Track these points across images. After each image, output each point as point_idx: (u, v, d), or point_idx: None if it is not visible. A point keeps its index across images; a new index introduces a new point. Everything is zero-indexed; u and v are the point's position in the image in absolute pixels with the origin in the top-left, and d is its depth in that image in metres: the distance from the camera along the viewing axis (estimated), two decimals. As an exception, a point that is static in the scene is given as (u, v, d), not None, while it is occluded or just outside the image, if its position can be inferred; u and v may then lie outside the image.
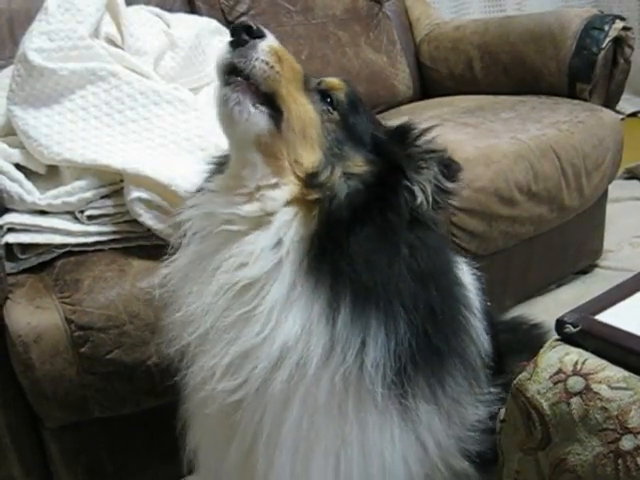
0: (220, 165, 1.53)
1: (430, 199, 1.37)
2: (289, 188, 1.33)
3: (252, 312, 1.28)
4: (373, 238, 1.29)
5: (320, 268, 1.27)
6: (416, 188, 1.36)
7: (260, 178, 1.34)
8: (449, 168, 1.41)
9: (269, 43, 1.33)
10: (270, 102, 1.32)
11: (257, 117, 1.30)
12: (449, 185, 1.40)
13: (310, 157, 1.34)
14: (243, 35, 1.31)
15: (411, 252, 1.33)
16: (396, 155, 1.40)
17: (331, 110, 1.40)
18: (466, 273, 1.66)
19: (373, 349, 1.27)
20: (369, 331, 1.27)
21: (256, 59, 1.30)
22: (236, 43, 1.31)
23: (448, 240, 1.55)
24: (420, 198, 1.36)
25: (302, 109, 1.35)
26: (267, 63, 1.30)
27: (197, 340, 1.36)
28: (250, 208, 1.33)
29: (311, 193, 1.32)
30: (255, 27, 1.32)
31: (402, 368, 1.30)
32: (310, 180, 1.33)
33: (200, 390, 1.37)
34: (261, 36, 1.33)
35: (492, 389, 1.63)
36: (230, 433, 1.37)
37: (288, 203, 1.32)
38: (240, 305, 1.30)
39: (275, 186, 1.33)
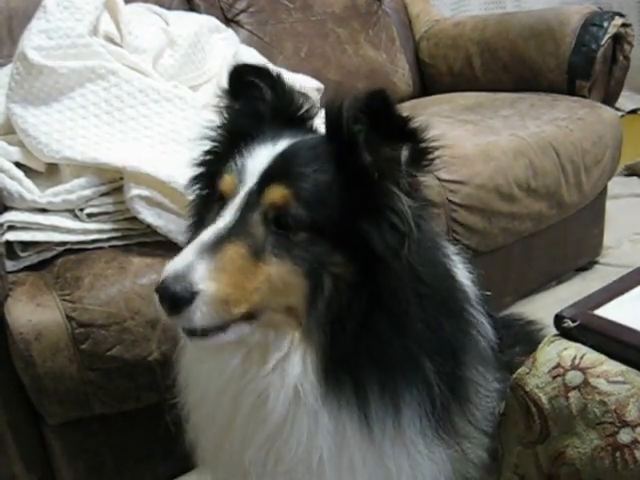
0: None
1: (409, 204, 1.22)
2: (290, 336, 1.26)
3: (285, 441, 1.27)
4: (381, 322, 1.23)
5: (338, 383, 1.24)
6: (396, 220, 1.21)
7: (259, 349, 1.28)
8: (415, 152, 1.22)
9: (204, 296, 1.15)
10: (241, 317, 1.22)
11: (238, 333, 1.23)
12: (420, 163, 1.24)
13: (299, 297, 1.23)
14: (174, 307, 1.15)
15: (420, 298, 1.26)
16: (363, 229, 1.23)
17: (291, 236, 1.22)
18: (459, 266, 1.56)
19: (408, 410, 1.27)
20: (402, 398, 1.26)
21: (203, 322, 1.16)
22: (173, 313, 1.16)
23: (441, 234, 1.49)
24: (403, 221, 1.22)
25: (272, 281, 1.21)
26: (217, 311, 1.16)
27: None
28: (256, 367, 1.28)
29: (310, 325, 1.24)
30: (179, 294, 1.14)
31: (438, 409, 1.29)
32: (307, 312, 1.24)
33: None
34: (192, 297, 1.14)
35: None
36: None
37: (290, 346, 1.26)
38: (271, 434, 1.28)
39: (275, 343, 1.27)
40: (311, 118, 1.44)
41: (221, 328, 1.20)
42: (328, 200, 1.23)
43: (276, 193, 1.21)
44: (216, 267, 1.16)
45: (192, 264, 1.15)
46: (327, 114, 1.28)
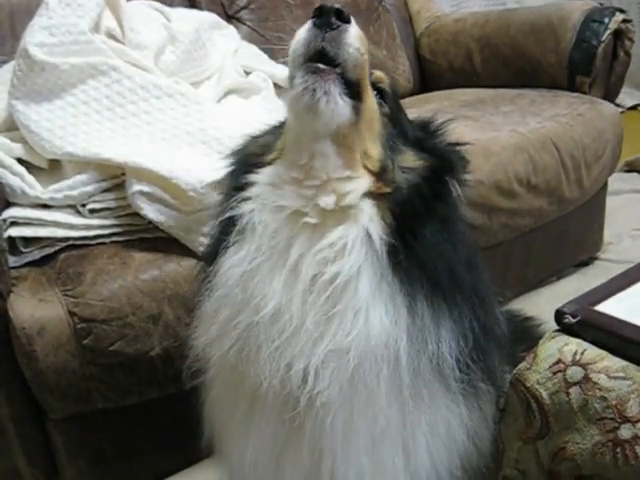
0: (248, 157, 1.48)
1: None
2: (363, 181, 1.30)
3: (344, 309, 1.25)
4: (439, 229, 1.30)
5: (400, 260, 1.26)
6: (454, 181, 1.40)
7: (332, 170, 1.29)
8: (464, 161, 1.47)
9: (357, 28, 1.24)
10: (352, 92, 1.26)
11: (344, 109, 1.24)
12: (464, 177, 1.45)
13: (375, 150, 1.32)
14: (333, 18, 1.21)
15: (461, 241, 1.35)
16: (441, 151, 1.43)
17: (383, 103, 1.37)
18: None
19: (447, 335, 1.28)
20: (442, 319, 1.28)
21: (349, 46, 1.22)
22: (325, 26, 1.21)
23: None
24: (457, 190, 1.40)
25: (371, 100, 1.32)
26: (359, 50, 1.23)
27: (268, 339, 1.29)
28: (328, 200, 1.28)
29: (382, 187, 1.30)
30: (345, 11, 1.22)
31: (470, 351, 1.32)
32: (380, 173, 1.31)
33: (253, 388, 1.33)
34: (349, 21, 1.23)
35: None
36: (287, 431, 1.33)
37: (364, 196, 1.29)
38: (330, 301, 1.26)
39: (348, 179, 1.30)
40: None
41: (343, 81, 1.24)
42: (401, 108, 1.47)
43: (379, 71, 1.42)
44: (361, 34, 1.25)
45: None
46: None
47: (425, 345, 1.26)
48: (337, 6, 1.21)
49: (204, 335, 1.41)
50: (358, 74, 1.25)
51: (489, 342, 1.39)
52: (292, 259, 1.28)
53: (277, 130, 1.48)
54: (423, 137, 1.46)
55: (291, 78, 1.26)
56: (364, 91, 1.28)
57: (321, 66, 1.22)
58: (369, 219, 1.28)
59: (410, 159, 1.36)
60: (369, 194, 1.30)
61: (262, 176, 1.38)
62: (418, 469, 1.34)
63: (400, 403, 1.29)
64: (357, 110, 1.27)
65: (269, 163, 1.39)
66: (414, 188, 1.32)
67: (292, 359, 1.26)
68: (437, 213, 1.32)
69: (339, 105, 1.23)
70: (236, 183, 1.43)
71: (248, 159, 1.47)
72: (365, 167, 1.31)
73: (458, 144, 1.49)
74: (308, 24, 1.23)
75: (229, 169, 1.50)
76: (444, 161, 1.40)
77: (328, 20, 1.20)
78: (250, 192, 1.37)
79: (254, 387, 1.32)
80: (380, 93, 1.37)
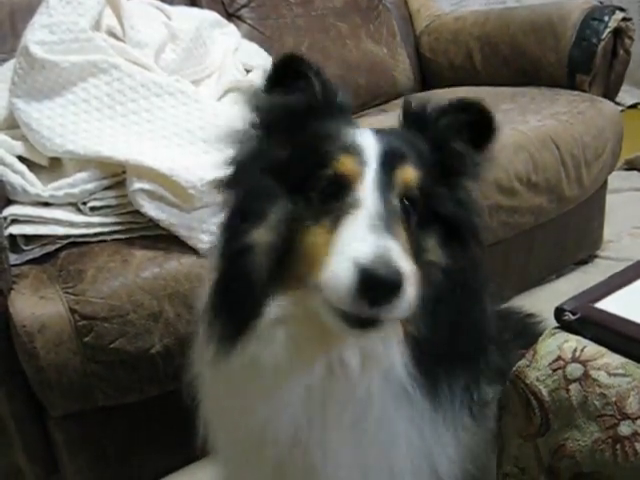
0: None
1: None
2: (394, 330, 1.21)
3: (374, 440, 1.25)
4: (466, 332, 1.27)
5: (428, 386, 1.24)
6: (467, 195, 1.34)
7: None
8: (480, 128, 1.34)
9: (409, 276, 1.06)
10: None
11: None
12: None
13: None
14: (388, 294, 1.04)
15: (481, 304, 1.32)
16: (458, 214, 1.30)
17: (411, 215, 1.23)
18: None
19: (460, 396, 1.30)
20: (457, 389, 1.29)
21: (405, 308, 1.07)
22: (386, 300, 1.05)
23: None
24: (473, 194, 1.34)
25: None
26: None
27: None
28: (355, 359, 1.21)
29: (408, 327, 1.22)
30: (395, 280, 1.03)
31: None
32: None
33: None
34: (402, 282, 1.04)
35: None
36: None
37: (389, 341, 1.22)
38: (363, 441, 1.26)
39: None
40: (349, 109, 1.41)
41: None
42: (429, 182, 1.27)
43: (409, 174, 1.22)
44: (399, 248, 1.08)
45: (386, 245, 1.06)
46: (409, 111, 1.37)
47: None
48: (385, 280, 1.03)
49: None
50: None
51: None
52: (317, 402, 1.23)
53: None
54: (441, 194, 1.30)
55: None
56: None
57: (369, 326, 1.11)
58: (395, 364, 1.22)
59: (432, 252, 1.25)
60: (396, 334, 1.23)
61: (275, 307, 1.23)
62: None
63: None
64: None
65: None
66: (437, 293, 1.22)
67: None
68: (464, 315, 1.26)
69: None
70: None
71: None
72: None
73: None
74: (351, 296, 1.04)
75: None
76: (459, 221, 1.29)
77: (377, 298, 1.05)
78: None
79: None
80: (410, 200, 1.23)
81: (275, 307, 1.20)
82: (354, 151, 1.22)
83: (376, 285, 1.02)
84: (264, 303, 1.20)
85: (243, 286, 1.21)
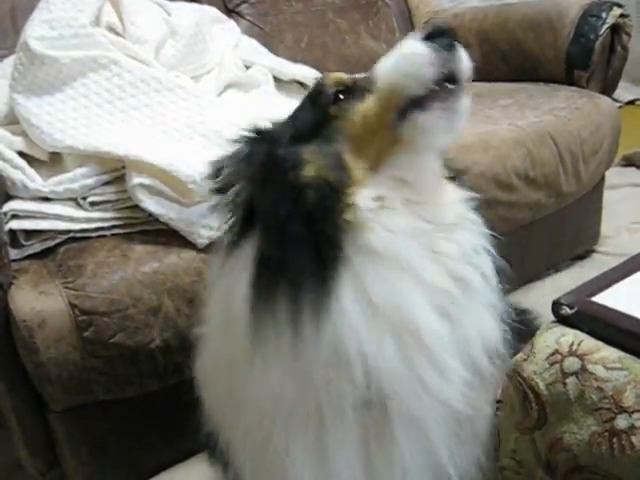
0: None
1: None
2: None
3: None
4: None
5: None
6: None
7: (439, 185, 1.31)
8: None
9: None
10: None
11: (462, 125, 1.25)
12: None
13: None
14: (452, 42, 1.20)
15: None
16: None
17: None
18: None
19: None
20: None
21: (466, 66, 1.23)
22: (445, 47, 1.19)
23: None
24: None
25: None
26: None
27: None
28: (449, 214, 1.30)
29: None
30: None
31: None
32: None
33: None
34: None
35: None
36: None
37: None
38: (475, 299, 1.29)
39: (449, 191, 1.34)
40: None
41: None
42: None
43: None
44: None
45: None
46: None
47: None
48: (448, 26, 1.21)
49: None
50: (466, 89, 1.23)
51: None
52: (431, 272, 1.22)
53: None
54: None
55: (414, 98, 1.20)
56: None
57: (452, 87, 1.21)
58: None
59: None
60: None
61: (363, 200, 1.21)
62: None
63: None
64: None
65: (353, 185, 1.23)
66: None
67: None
68: None
69: (462, 122, 1.24)
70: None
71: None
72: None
73: None
74: (428, 46, 1.19)
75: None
76: None
77: (450, 42, 1.20)
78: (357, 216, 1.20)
79: None
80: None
81: (364, 200, 1.21)
82: None
83: (443, 30, 1.20)
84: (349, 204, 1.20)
85: (323, 204, 1.19)
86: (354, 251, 1.17)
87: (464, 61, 1.21)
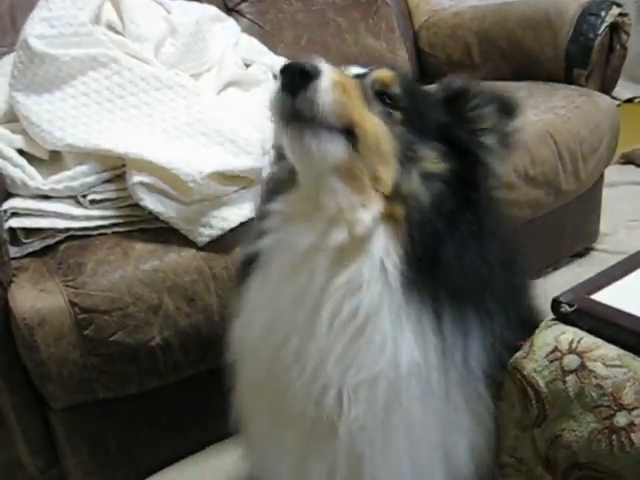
0: (280, 184, 1.41)
1: (497, 152, 1.38)
2: (374, 207, 1.25)
3: (368, 342, 1.25)
4: (464, 239, 1.27)
5: (421, 283, 1.25)
6: (488, 158, 1.36)
7: (341, 201, 1.25)
8: (507, 108, 1.43)
9: (329, 78, 1.19)
10: (344, 129, 1.22)
11: (335, 147, 1.22)
12: (510, 126, 1.41)
13: (387, 170, 1.26)
14: (297, 79, 1.17)
15: (492, 241, 1.33)
16: (469, 142, 1.36)
17: (391, 111, 1.30)
18: None
19: (475, 347, 1.30)
20: (470, 332, 1.28)
21: (324, 102, 1.17)
22: (293, 88, 1.18)
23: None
24: (492, 164, 1.37)
25: (371, 124, 1.26)
26: (335, 101, 1.19)
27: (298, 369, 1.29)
28: (340, 235, 1.26)
29: (396, 208, 1.26)
30: (310, 68, 1.17)
31: (498, 357, 1.35)
32: (393, 194, 1.26)
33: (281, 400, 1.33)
34: (317, 74, 1.17)
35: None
36: (317, 441, 1.34)
37: (376, 223, 1.25)
38: (353, 335, 1.26)
39: (358, 207, 1.25)
40: None
41: (327, 126, 1.21)
42: (422, 98, 1.40)
43: (383, 72, 1.34)
44: (337, 77, 1.21)
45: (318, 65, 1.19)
46: None
47: (452, 360, 1.28)
48: (302, 67, 1.18)
49: (239, 338, 1.45)
50: (342, 120, 1.22)
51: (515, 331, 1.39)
52: (311, 297, 1.27)
53: None
54: (449, 123, 1.37)
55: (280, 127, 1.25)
56: (357, 125, 1.24)
57: (299, 123, 1.20)
58: (384, 251, 1.26)
59: (431, 164, 1.30)
60: (384, 219, 1.26)
61: (280, 205, 1.37)
62: (459, 467, 1.36)
63: (435, 411, 1.30)
64: (354, 143, 1.24)
65: (289, 190, 1.37)
66: (436, 199, 1.27)
67: (324, 388, 1.27)
68: (463, 224, 1.28)
69: (330, 145, 1.21)
70: (260, 211, 1.44)
71: (275, 184, 1.44)
72: (377, 191, 1.26)
73: (493, 99, 1.46)
74: (277, 86, 1.20)
75: (261, 194, 1.51)
76: (472, 155, 1.34)
77: (293, 83, 1.18)
78: (268, 224, 1.37)
79: (282, 399, 1.32)
80: (389, 98, 1.31)
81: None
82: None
83: (290, 69, 1.18)
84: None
85: None
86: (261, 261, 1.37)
87: (315, 100, 1.18)
